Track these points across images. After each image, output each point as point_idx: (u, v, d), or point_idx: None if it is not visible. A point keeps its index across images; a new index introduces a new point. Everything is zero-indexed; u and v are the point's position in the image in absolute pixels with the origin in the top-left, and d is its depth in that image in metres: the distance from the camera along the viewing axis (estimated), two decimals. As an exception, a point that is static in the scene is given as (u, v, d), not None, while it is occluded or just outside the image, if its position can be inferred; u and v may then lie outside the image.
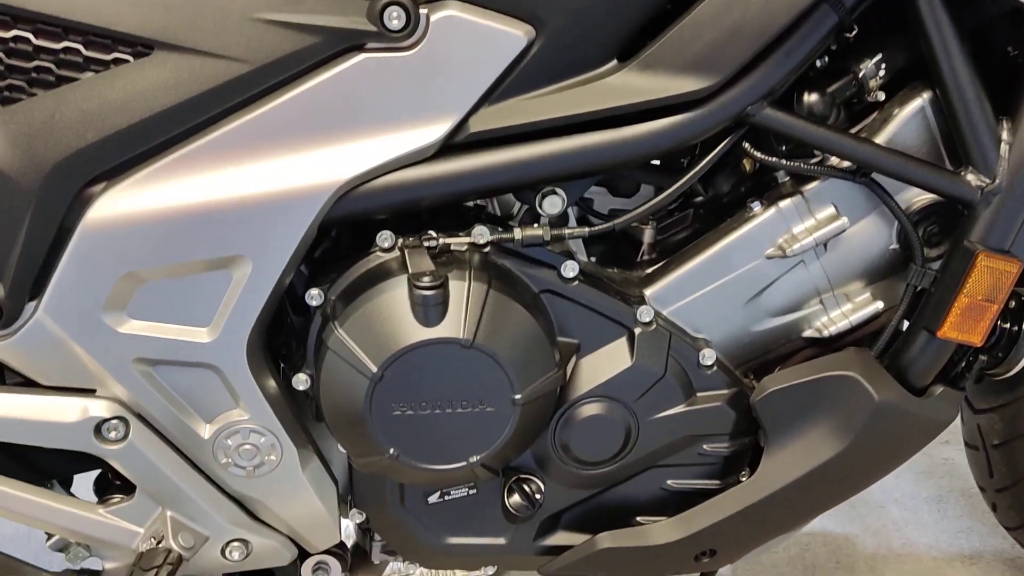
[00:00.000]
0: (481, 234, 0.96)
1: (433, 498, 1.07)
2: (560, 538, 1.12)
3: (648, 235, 1.13)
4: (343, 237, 1.01)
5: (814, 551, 1.76)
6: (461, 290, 0.90)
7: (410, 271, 0.89)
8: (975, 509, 1.83)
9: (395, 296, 0.91)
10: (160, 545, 0.96)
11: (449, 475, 0.97)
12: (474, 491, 1.08)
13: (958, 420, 1.64)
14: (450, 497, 1.08)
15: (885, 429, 1.04)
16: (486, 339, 0.90)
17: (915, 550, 1.75)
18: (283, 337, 1.04)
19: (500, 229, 0.97)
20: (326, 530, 1.06)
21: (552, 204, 0.99)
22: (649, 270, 1.08)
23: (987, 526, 1.78)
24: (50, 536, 1.04)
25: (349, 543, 1.21)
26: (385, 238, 0.95)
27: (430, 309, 0.88)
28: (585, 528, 1.12)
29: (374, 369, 0.90)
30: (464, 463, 0.96)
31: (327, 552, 1.14)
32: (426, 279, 0.88)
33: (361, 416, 0.92)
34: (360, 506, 1.08)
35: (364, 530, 1.17)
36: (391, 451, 0.94)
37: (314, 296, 0.96)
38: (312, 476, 1.03)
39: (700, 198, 1.16)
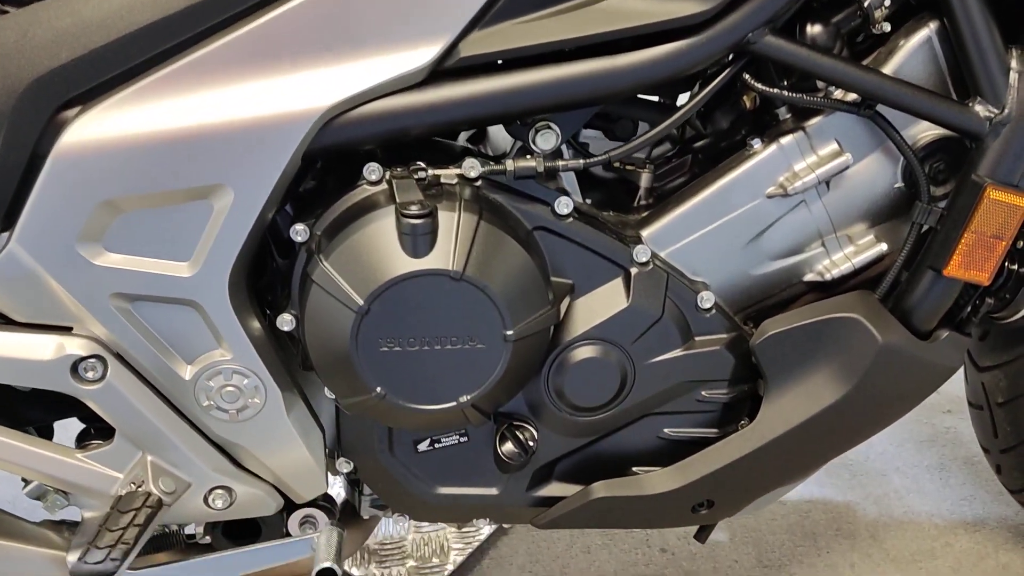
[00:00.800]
0: (472, 167, 0.93)
1: (423, 446, 1.04)
2: (554, 489, 1.09)
3: (645, 179, 1.10)
4: (329, 171, 0.97)
5: (814, 518, 1.73)
6: (451, 221, 0.87)
7: (398, 201, 0.86)
8: (978, 477, 1.80)
9: (382, 227, 0.87)
10: (139, 489, 0.93)
11: (438, 417, 0.94)
12: (465, 439, 1.05)
13: (961, 387, 1.61)
14: (440, 445, 1.04)
15: (889, 373, 1.01)
16: (476, 271, 0.87)
17: (917, 518, 1.72)
18: (267, 279, 1.01)
19: (491, 163, 0.93)
20: (312, 479, 1.02)
21: (546, 139, 0.96)
22: (646, 212, 1.05)
23: (990, 494, 1.75)
24: (27, 482, 1.01)
25: (339, 500, 1.18)
26: (372, 170, 0.92)
27: (418, 239, 0.85)
28: (579, 479, 1.08)
29: (360, 302, 0.87)
30: (454, 403, 0.92)
31: (315, 505, 1.11)
32: (414, 207, 0.85)
33: (347, 353, 0.89)
34: (348, 455, 1.04)
35: (352, 483, 1.14)
36: (378, 390, 0.90)
37: (299, 231, 0.93)
38: (297, 421, 0.99)
39: (698, 143, 1.13)
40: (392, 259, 0.86)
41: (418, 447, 1.04)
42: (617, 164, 1.09)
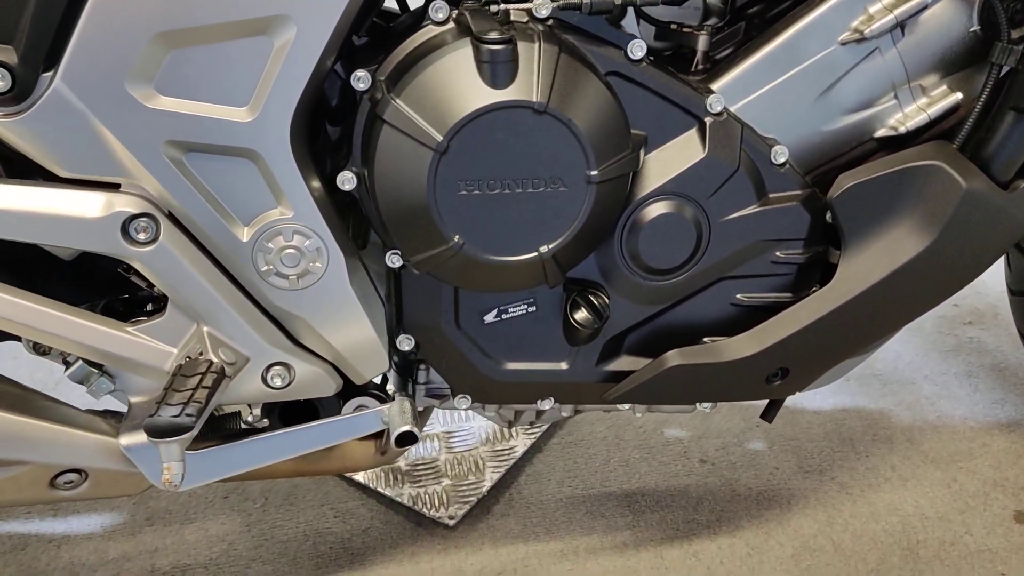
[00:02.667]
0: (543, 4, 0.87)
1: (490, 317, 0.99)
2: (623, 363, 1.04)
3: (702, 43, 1.05)
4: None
5: (850, 426, 1.71)
6: (531, 52, 0.81)
7: (474, 30, 0.81)
8: (1007, 382, 1.79)
9: (458, 59, 0.81)
10: (201, 357, 0.86)
11: (517, 271, 0.88)
12: (533, 308, 0.99)
13: (980, 300, 1.59)
14: (508, 316, 0.99)
15: (972, 221, 0.97)
16: (560, 104, 0.82)
17: (951, 422, 1.70)
18: (319, 143, 0.95)
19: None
20: (374, 356, 0.96)
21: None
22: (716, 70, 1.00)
23: (1022, 397, 1.74)
24: (69, 365, 0.94)
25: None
26: (439, 8, 0.86)
27: (498, 67, 0.79)
28: (649, 352, 1.04)
29: (439, 138, 0.81)
30: (534, 254, 0.87)
31: (370, 394, 1.06)
32: (493, 34, 0.79)
33: (423, 197, 0.83)
34: (410, 331, 0.98)
35: (405, 372, 1.08)
36: (456, 239, 0.85)
37: (361, 78, 0.87)
38: (360, 290, 0.93)
39: (752, 8, 1.09)
40: (471, 92, 0.81)
41: (485, 318, 0.99)
42: (674, 27, 1.05)
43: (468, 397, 1.04)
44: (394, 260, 0.95)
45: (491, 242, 0.86)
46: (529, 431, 1.65)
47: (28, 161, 0.85)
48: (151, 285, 0.95)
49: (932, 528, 1.45)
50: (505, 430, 1.63)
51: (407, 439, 0.90)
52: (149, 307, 0.96)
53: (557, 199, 0.85)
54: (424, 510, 1.47)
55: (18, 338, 1.04)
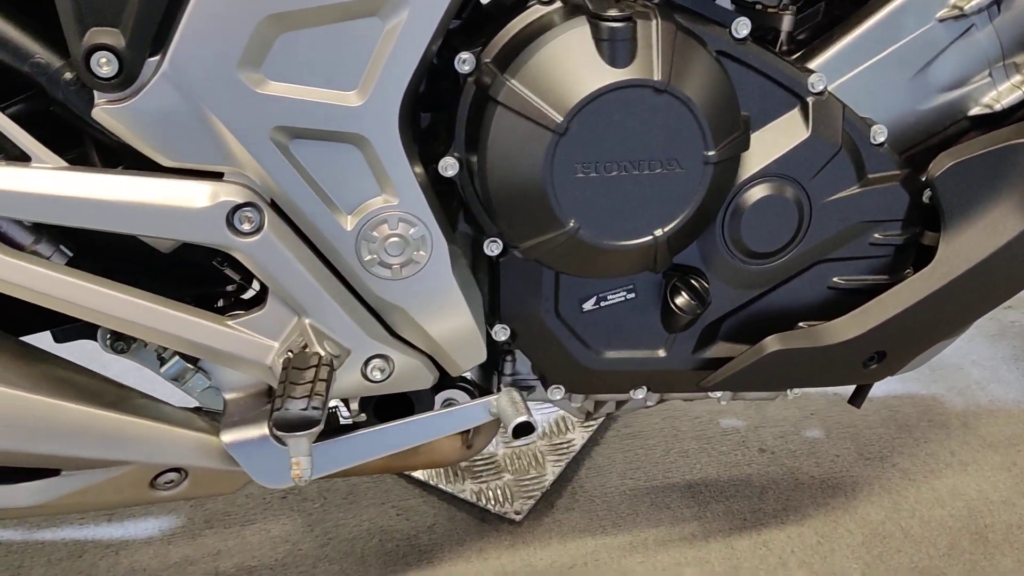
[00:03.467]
0: (651, -19, 0.85)
1: (588, 304, 0.97)
2: (719, 350, 1.02)
3: (787, 23, 1.03)
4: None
5: (904, 412, 1.70)
6: (648, 29, 0.79)
7: (591, 8, 0.78)
8: (1054, 366, 1.79)
9: (576, 38, 0.79)
10: (307, 351, 0.84)
11: (628, 255, 0.86)
12: (632, 295, 0.97)
13: None
14: (607, 303, 0.97)
15: (1075, 198, 0.96)
16: (679, 83, 0.80)
17: (1005, 405, 1.70)
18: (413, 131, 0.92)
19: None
20: (472, 347, 0.94)
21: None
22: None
23: (1070, 379, 1.74)
24: (164, 362, 0.91)
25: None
26: (547, -13, 0.84)
27: (618, 45, 0.77)
28: (744, 338, 1.02)
29: (559, 119, 0.78)
30: (649, 238, 0.85)
31: (459, 387, 1.03)
32: (612, 11, 0.77)
33: (539, 181, 0.81)
34: (507, 320, 0.96)
35: (490, 363, 1.06)
36: (571, 224, 0.83)
37: (466, 60, 0.84)
38: (461, 279, 0.91)
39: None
40: (591, 71, 0.79)
41: (584, 306, 0.97)
42: (758, 7, 1.03)
43: (561, 387, 1.02)
44: (493, 248, 0.93)
45: (606, 226, 0.84)
46: (586, 424, 1.63)
47: (124, 150, 0.82)
48: (246, 278, 0.93)
49: (998, 512, 1.45)
50: (561, 423, 1.61)
51: (524, 430, 0.88)
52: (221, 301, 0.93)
53: (673, 181, 0.84)
54: (489, 506, 1.45)
55: (91, 336, 1.02)
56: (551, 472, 1.53)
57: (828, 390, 1.67)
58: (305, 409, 0.75)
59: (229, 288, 1.03)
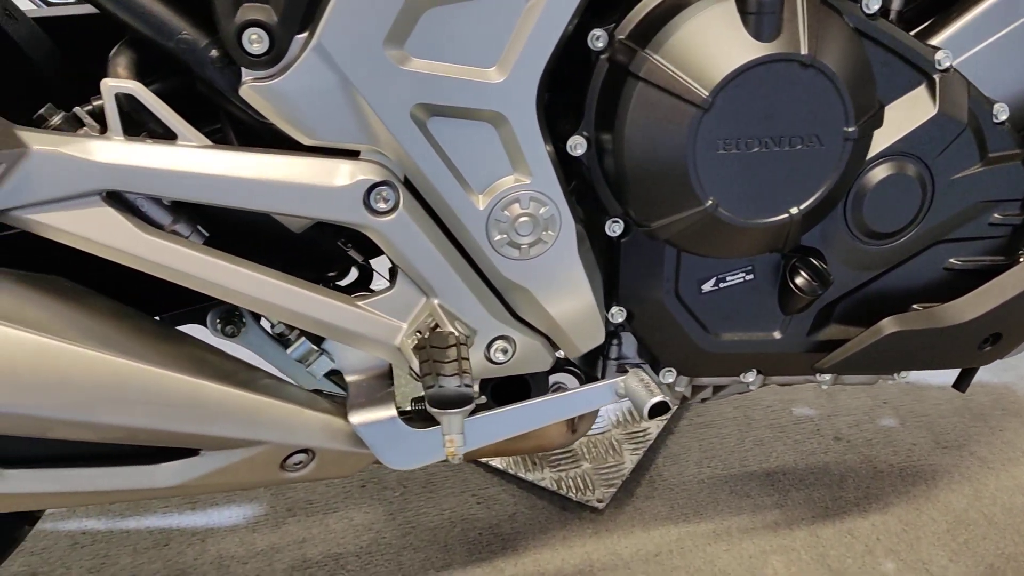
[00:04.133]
0: (786, -43, 0.84)
1: (707, 286, 0.96)
2: (833, 332, 1.01)
3: (897, 1, 1.03)
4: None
5: (978, 401, 1.69)
6: (793, 2, 0.79)
7: (736, -19, 0.78)
8: (1124, 353, 1.78)
9: (720, 11, 0.78)
10: (440, 330, 0.83)
11: (762, 233, 0.85)
12: (751, 276, 0.97)
13: None
14: (725, 284, 0.96)
15: None
16: (825, 57, 0.79)
17: (1077, 393, 1.69)
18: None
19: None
20: (591, 328, 0.93)
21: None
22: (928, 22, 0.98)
23: None
24: (287, 344, 0.91)
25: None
26: (682, -38, 0.83)
27: (765, 19, 0.77)
28: (858, 320, 1.01)
29: (704, 94, 0.78)
30: (785, 216, 0.84)
31: (568, 371, 1.03)
32: (760, -16, 0.76)
33: (682, 157, 0.80)
34: (624, 302, 0.96)
35: (594, 349, 1.05)
36: (710, 201, 0.82)
37: (599, 37, 0.84)
38: (585, 259, 0.90)
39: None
40: (737, 45, 0.78)
41: (702, 287, 0.96)
42: (869, -15, 1.02)
43: (673, 370, 1.01)
44: (615, 228, 0.92)
45: (744, 204, 0.83)
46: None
47: (259, 128, 0.82)
48: (369, 258, 0.92)
49: (1079, 499, 1.44)
50: (635, 412, 1.60)
51: (660, 409, 0.87)
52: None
53: (813, 158, 0.83)
54: (570, 494, 1.44)
55: (200, 321, 1.02)
56: (629, 460, 1.52)
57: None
58: (459, 386, 0.75)
59: (330, 274, 1.03)
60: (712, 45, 0.78)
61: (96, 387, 0.72)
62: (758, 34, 0.78)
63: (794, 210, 0.85)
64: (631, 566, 1.32)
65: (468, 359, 0.80)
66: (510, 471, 1.48)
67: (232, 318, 1.00)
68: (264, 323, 1.04)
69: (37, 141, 0.72)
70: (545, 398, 0.93)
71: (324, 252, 0.91)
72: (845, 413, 1.65)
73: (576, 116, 0.88)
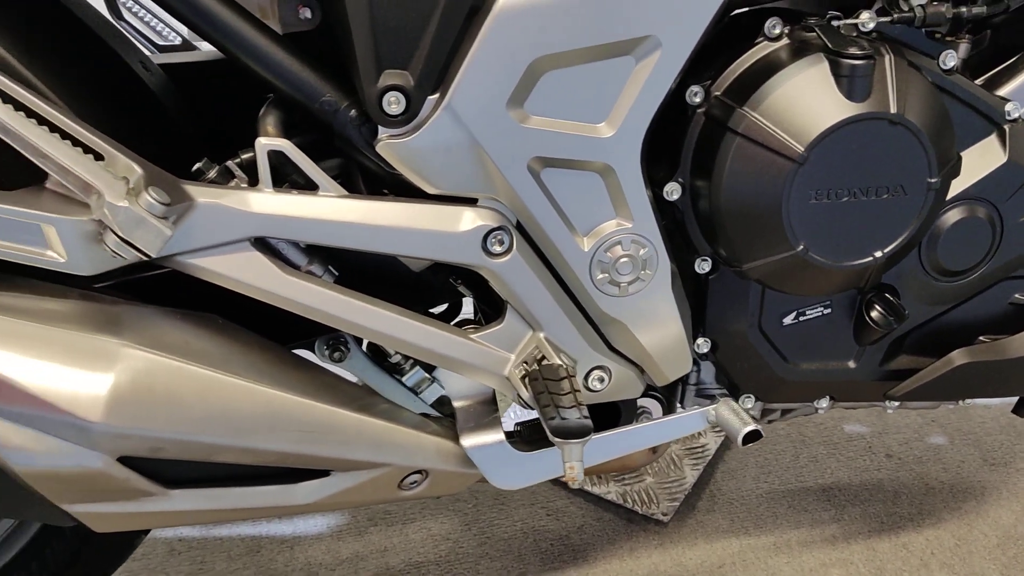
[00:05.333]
0: (871, 18, 0.91)
1: (788, 319, 1.03)
2: (903, 362, 1.08)
3: (963, 51, 1.08)
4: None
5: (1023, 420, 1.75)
6: (882, 64, 0.86)
7: (830, 45, 0.84)
8: None
9: (815, 73, 0.85)
10: (548, 363, 0.90)
11: (846, 275, 0.92)
12: (828, 310, 1.03)
13: None
14: (805, 318, 1.03)
15: None
16: (911, 114, 0.86)
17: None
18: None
19: (897, 12, 0.91)
20: (680, 357, 1.00)
21: (924, -8, 0.94)
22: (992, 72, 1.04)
23: None
24: (403, 373, 0.98)
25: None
26: (775, 24, 0.90)
27: (858, 81, 0.83)
28: (928, 351, 1.08)
29: (800, 150, 0.85)
30: (869, 259, 0.91)
31: (652, 396, 1.10)
32: (854, 49, 0.83)
33: (776, 206, 0.87)
34: (710, 333, 1.03)
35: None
36: (801, 246, 0.89)
37: (696, 93, 0.91)
38: (676, 294, 0.97)
39: (997, 16, 1.12)
40: (831, 105, 0.85)
41: (783, 320, 1.03)
42: (937, 36, 1.08)
43: (752, 396, 1.08)
44: (703, 266, 0.99)
45: (831, 248, 0.90)
46: (718, 429, 1.69)
47: (384, 177, 0.89)
48: (480, 296, 1.00)
49: None
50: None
51: (753, 437, 0.94)
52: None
53: (897, 206, 0.89)
54: (636, 507, 1.51)
55: (308, 347, 1.10)
56: (690, 475, 1.59)
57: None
58: (579, 418, 0.82)
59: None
60: (807, 104, 0.85)
61: (255, 416, 0.80)
62: (850, 95, 0.85)
63: (878, 253, 0.91)
64: (696, 577, 1.39)
65: (580, 391, 0.87)
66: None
67: (338, 345, 1.07)
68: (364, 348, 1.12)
69: (200, 194, 0.80)
70: (646, 424, 1.00)
71: (435, 288, 0.99)
72: (895, 431, 1.72)
73: (669, 163, 0.95)
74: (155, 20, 1.27)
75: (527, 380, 0.91)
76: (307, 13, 0.87)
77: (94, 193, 0.73)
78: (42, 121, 0.76)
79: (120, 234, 0.73)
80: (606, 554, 1.44)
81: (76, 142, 0.74)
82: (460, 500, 1.54)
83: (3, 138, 0.74)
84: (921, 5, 0.91)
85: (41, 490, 0.75)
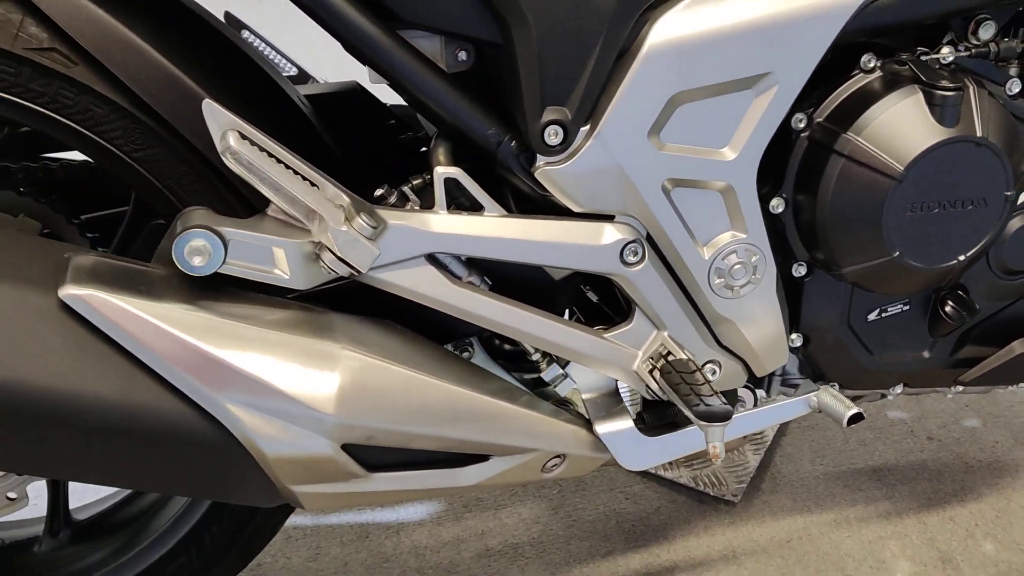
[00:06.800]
0: (950, 52, 1.04)
1: (872, 315, 1.16)
2: (970, 351, 1.23)
3: (1015, 71, 1.22)
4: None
5: (1052, 402, 1.89)
6: (968, 93, 0.99)
7: (924, 79, 0.98)
8: None
9: (911, 103, 0.99)
10: (677, 358, 1.03)
11: (932, 277, 1.06)
12: (907, 307, 1.17)
13: None
14: (887, 314, 1.17)
15: None
16: (992, 136, 0.99)
17: None
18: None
19: (973, 47, 1.04)
20: (778, 350, 1.14)
21: (987, 30, 1.08)
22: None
23: None
24: (540, 370, 1.10)
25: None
26: (869, 59, 1.03)
27: (949, 109, 0.97)
28: (992, 341, 1.22)
29: (900, 169, 0.98)
30: (953, 263, 1.05)
31: (747, 386, 1.23)
32: (946, 82, 0.96)
33: (876, 218, 1.00)
34: (803, 329, 1.16)
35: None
36: (896, 253, 1.02)
37: (801, 119, 1.04)
38: (779, 296, 1.10)
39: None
40: (926, 130, 0.98)
41: (868, 316, 1.16)
42: (1001, 65, 1.21)
43: (837, 385, 1.21)
44: (799, 270, 1.12)
45: (922, 254, 1.04)
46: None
47: (531, 196, 1.02)
48: (608, 300, 1.12)
49: None
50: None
51: (857, 419, 1.07)
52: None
53: (979, 215, 1.03)
54: (707, 490, 1.65)
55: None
56: (753, 460, 1.72)
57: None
58: (722, 403, 0.95)
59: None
60: (905, 130, 0.99)
61: (443, 409, 0.92)
62: (942, 120, 0.98)
63: (962, 257, 1.05)
64: (768, 551, 1.52)
65: (711, 382, 1.00)
66: (651, 470, 1.68)
67: (465, 344, 1.19)
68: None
69: (390, 216, 0.92)
70: (762, 408, 1.13)
71: (567, 295, 1.11)
72: (933, 416, 1.86)
73: (774, 180, 1.08)
74: (272, 52, 1.38)
75: (656, 374, 1.04)
76: (463, 55, 1.00)
77: (316, 218, 0.85)
78: (272, 156, 0.87)
79: (338, 254, 0.85)
80: (684, 532, 1.57)
81: (295, 173, 0.86)
82: (545, 487, 1.66)
83: (249, 177, 0.85)
84: (994, 41, 1.04)
85: (279, 472, 0.87)
